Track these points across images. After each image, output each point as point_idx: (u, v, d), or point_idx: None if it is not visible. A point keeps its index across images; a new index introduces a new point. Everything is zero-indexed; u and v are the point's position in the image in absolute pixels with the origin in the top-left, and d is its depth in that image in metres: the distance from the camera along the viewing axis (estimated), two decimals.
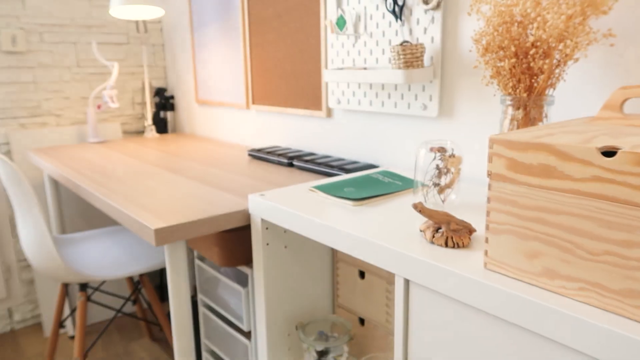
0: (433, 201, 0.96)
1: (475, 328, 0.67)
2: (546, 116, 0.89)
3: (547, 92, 0.88)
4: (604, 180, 0.54)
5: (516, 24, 0.86)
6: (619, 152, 0.52)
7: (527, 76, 0.88)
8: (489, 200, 0.66)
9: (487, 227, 0.67)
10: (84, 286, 1.64)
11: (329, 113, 1.59)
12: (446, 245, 0.75)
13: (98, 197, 1.27)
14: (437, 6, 1.19)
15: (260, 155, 1.68)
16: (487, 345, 0.66)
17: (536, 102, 0.88)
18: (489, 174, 0.65)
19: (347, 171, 1.35)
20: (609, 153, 0.54)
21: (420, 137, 1.32)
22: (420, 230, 0.81)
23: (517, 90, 0.89)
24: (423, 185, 0.97)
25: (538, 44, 0.84)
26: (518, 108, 0.90)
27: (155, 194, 1.26)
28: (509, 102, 0.90)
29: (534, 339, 0.60)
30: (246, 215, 1.12)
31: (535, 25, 0.82)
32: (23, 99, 2.15)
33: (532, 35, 0.85)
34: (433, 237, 0.76)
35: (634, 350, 0.51)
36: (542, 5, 0.82)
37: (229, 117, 2.12)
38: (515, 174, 0.62)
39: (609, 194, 0.54)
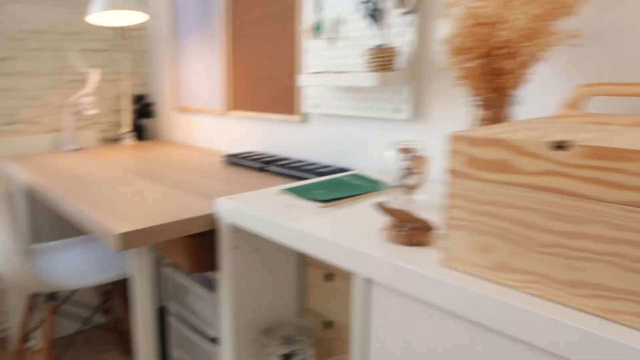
0: (401, 202, 0.95)
1: (434, 325, 0.66)
2: (514, 116, 0.88)
3: (513, 92, 0.88)
4: (554, 174, 0.54)
5: (483, 26, 0.86)
6: (568, 146, 0.52)
7: (494, 77, 0.88)
8: (448, 197, 0.65)
9: (445, 224, 0.65)
10: (52, 296, 1.60)
11: (304, 118, 1.58)
12: (406, 243, 0.73)
13: (63, 204, 1.24)
14: (413, 10, 1.19)
15: (235, 161, 1.66)
16: (446, 342, 0.65)
17: (503, 102, 0.88)
18: (449, 171, 0.64)
19: (320, 175, 1.34)
20: (561, 147, 0.53)
21: (393, 140, 1.31)
22: (382, 230, 0.80)
23: (485, 91, 0.89)
24: (391, 186, 0.96)
25: (504, 44, 0.84)
26: (486, 109, 0.89)
27: (126, 200, 1.23)
28: (476, 103, 0.89)
29: (487, 334, 0.59)
30: (213, 218, 1.10)
31: (502, 26, 0.82)
32: None
33: (498, 36, 0.85)
34: (394, 235, 0.75)
35: (578, 338, 0.50)
36: (509, 5, 0.82)
37: (207, 123, 2.11)
38: (474, 170, 0.62)
39: (558, 186, 0.54)
